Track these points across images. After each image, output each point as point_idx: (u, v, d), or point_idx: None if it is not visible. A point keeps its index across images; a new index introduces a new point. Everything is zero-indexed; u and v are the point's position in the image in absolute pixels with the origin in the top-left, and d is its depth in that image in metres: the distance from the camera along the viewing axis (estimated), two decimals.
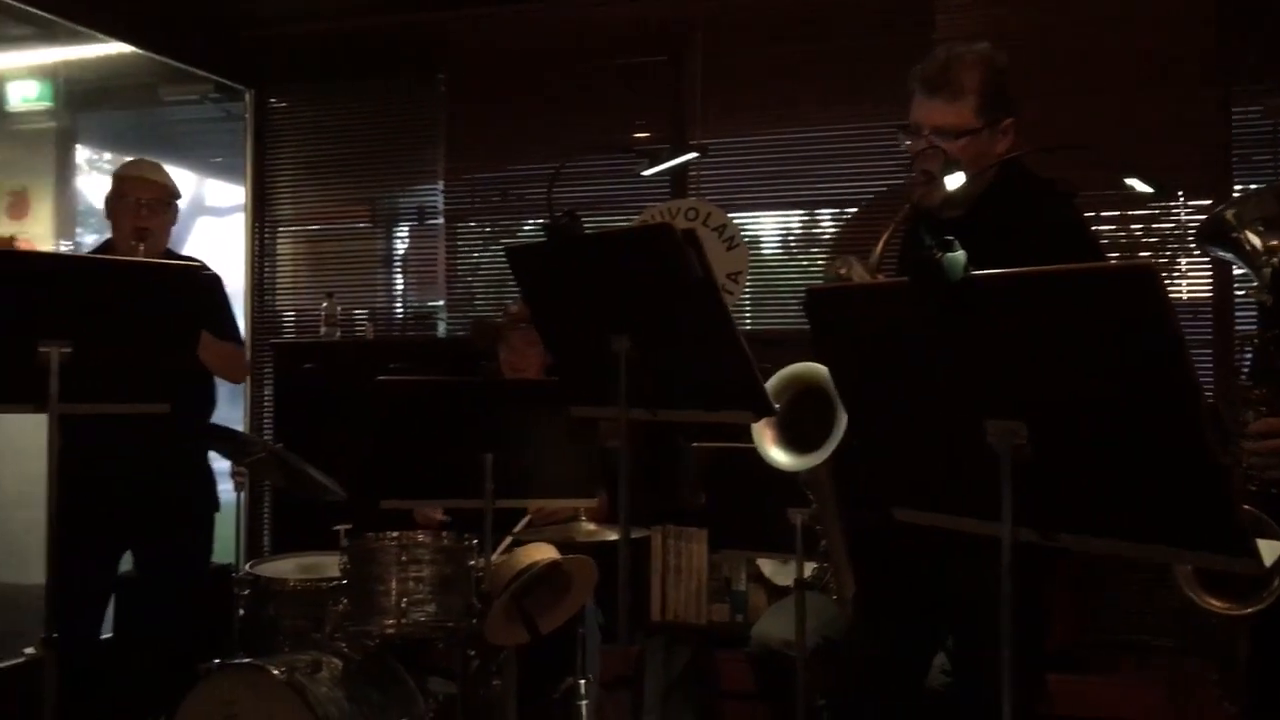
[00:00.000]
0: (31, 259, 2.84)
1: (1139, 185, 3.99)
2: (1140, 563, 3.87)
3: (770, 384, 2.44)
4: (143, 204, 3.47)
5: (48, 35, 4.71)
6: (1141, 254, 4.46)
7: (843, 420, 2.26)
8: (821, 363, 1.96)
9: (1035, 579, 2.35)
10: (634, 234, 2.78)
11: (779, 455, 2.45)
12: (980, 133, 2.30)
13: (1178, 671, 3.30)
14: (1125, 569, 4.04)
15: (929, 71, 2.34)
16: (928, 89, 2.33)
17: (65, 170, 4.98)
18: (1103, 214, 4.44)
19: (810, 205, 4.93)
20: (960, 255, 1.43)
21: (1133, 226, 4.51)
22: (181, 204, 3.71)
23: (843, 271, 2.26)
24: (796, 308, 4.83)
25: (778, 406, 2.11)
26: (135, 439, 3.17)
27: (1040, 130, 4.08)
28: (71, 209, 5.00)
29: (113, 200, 3.53)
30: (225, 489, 3.79)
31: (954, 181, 2.14)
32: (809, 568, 3.04)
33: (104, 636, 3.80)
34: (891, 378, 1.67)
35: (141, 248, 3.38)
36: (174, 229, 3.66)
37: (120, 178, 3.55)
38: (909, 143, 2.38)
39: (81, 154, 5.22)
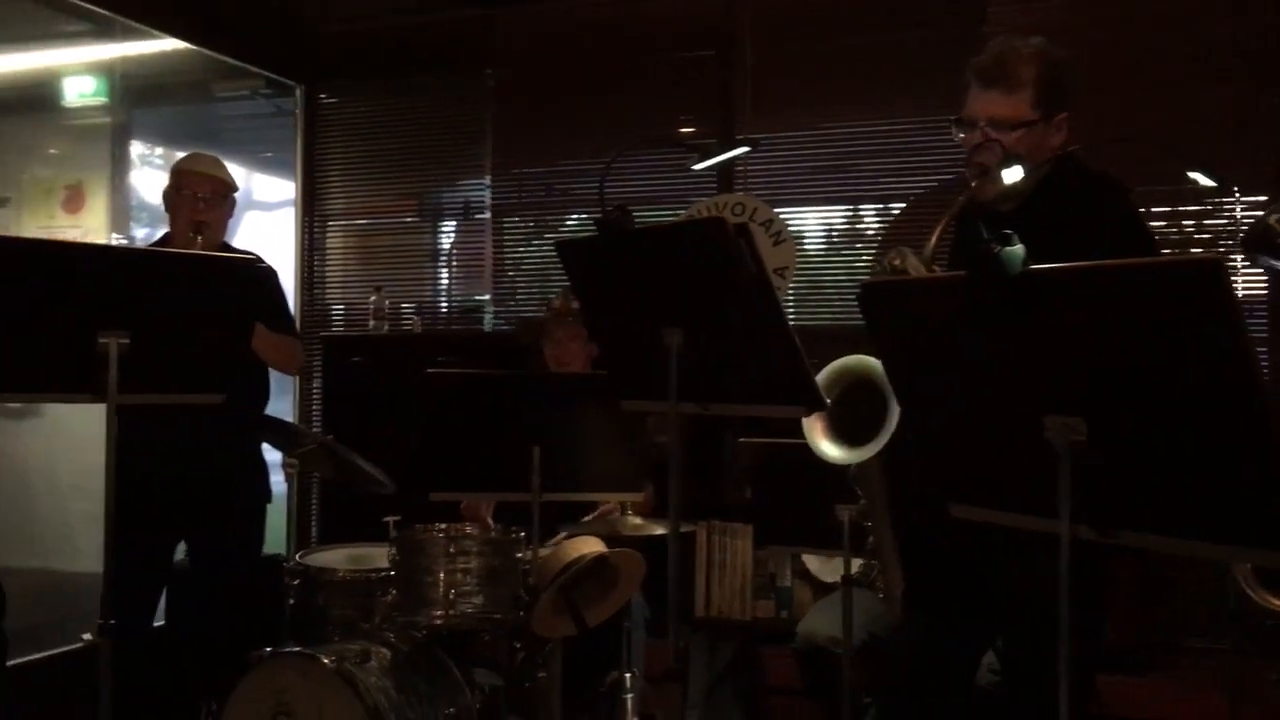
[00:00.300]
0: (92, 251, 2.87)
1: (1203, 179, 3.93)
2: (1196, 561, 3.82)
3: (821, 377, 2.43)
4: (200, 198, 3.49)
5: (104, 32, 4.78)
6: (1193, 250, 4.40)
7: (894, 414, 2.25)
8: (877, 357, 1.95)
9: (1091, 577, 2.33)
10: (686, 228, 2.78)
11: (829, 448, 2.44)
12: (1036, 125, 2.29)
13: (1235, 672, 3.25)
14: (1179, 567, 3.99)
15: (985, 63, 2.33)
16: (984, 80, 2.32)
17: (120, 165, 5.04)
18: (1154, 209, 4.39)
19: (855, 200, 4.91)
20: (1019, 249, 1.42)
21: (1184, 223, 4.45)
22: None
23: (896, 263, 2.25)
24: (840, 303, 4.81)
25: (829, 400, 2.10)
26: (190, 430, 3.20)
27: (1093, 125, 4.06)
28: (126, 203, 5.06)
29: (171, 194, 3.56)
30: (276, 480, 3.83)
31: (1012, 175, 2.11)
32: (855, 564, 3.02)
33: (156, 625, 3.86)
34: (948, 373, 1.65)
35: (199, 240, 3.41)
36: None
37: (178, 172, 3.58)
38: (962, 136, 2.36)
39: (135, 149, 5.28)
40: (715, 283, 2.08)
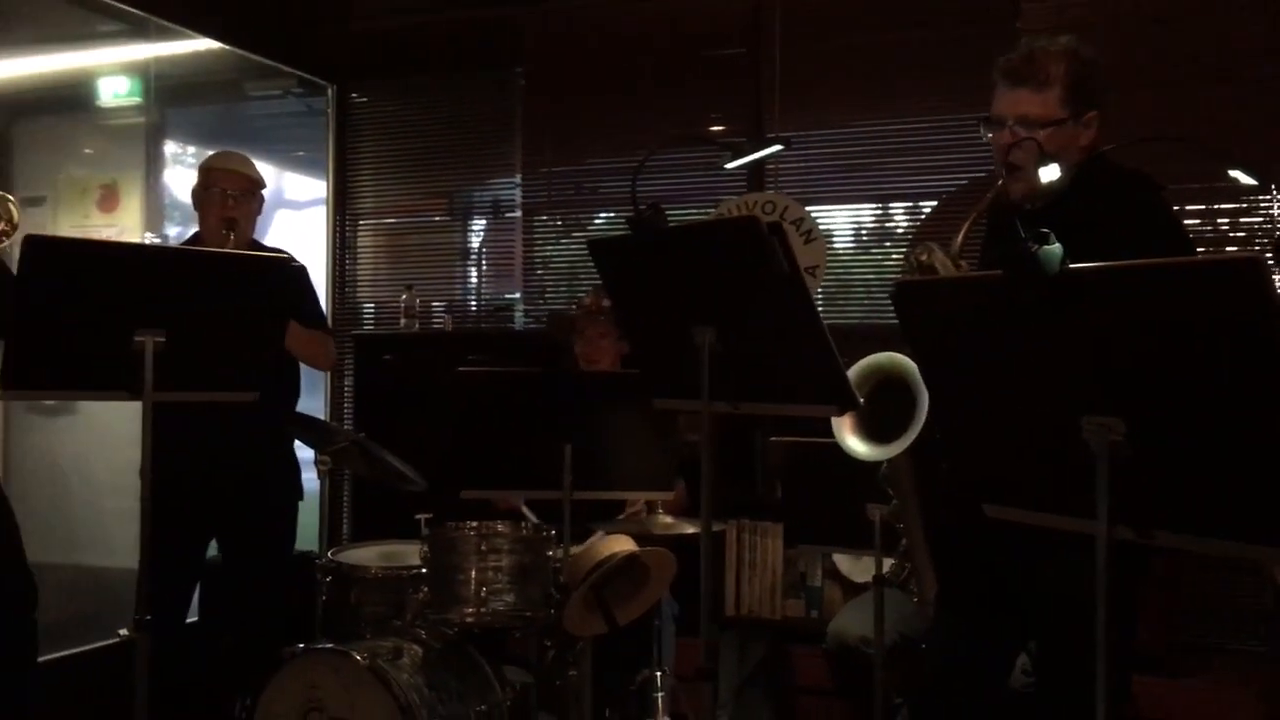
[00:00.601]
0: (129, 250, 2.90)
1: (1243, 177, 3.89)
2: (1230, 561, 3.79)
3: (850, 374, 2.42)
4: (230, 195, 3.50)
5: (138, 32, 4.82)
6: (1229, 249, 4.36)
7: (923, 411, 2.24)
8: (910, 357, 1.94)
9: (1127, 579, 2.32)
10: (719, 227, 2.77)
11: (857, 445, 2.44)
12: (1065, 124, 2.28)
13: (1271, 673, 3.22)
14: (1212, 568, 3.95)
15: (1014, 62, 2.32)
16: (1013, 79, 2.31)
17: (154, 164, 5.08)
18: (1188, 207, 4.35)
19: (885, 199, 4.89)
20: (1057, 248, 1.41)
21: (1219, 221, 4.40)
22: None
23: (924, 258, 2.27)
24: (869, 302, 4.79)
25: (861, 400, 2.10)
26: (222, 428, 3.22)
27: (1128, 122, 4.04)
28: (160, 202, 5.11)
29: (199, 192, 3.57)
30: (308, 477, 3.85)
31: (1049, 174, 2.11)
32: (886, 563, 3.01)
33: (190, 621, 3.89)
34: (982, 372, 1.65)
35: (231, 237, 3.42)
36: (256, 222, 3.71)
37: (207, 169, 3.59)
38: (990, 135, 2.35)
39: (168, 148, 5.33)
40: (748, 281, 2.08)
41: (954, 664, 2.59)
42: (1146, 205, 2.30)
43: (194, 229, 3.76)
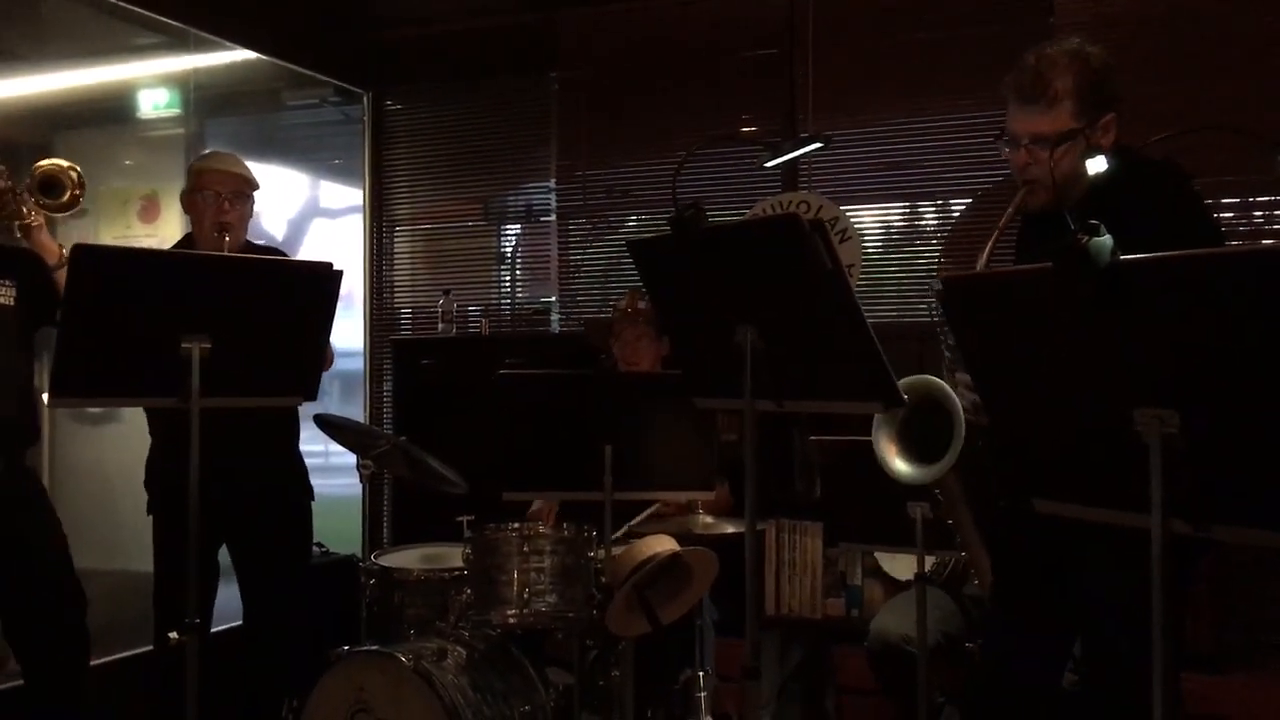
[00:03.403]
0: (175, 258, 2.93)
1: None
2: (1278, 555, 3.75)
3: None
4: (223, 196, 3.39)
5: (178, 44, 4.88)
6: (1264, 242, 4.31)
7: (961, 429, 2.25)
8: (960, 351, 1.94)
9: (1176, 574, 2.30)
10: (760, 225, 2.77)
11: (903, 467, 2.44)
12: (1078, 134, 2.26)
13: None
14: (1260, 563, 3.91)
15: (1021, 81, 2.30)
16: (1022, 98, 2.30)
17: None
18: (1224, 200, 4.31)
19: (918, 197, 4.86)
20: (1107, 240, 1.40)
21: (1254, 214, 4.36)
22: (297, 206, 3.70)
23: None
24: (900, 301, 4.78)
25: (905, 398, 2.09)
26: (232, 431, 3.19)
27: (1164, 112, 4.01)
28: None
29: (190, 195, 3.46)
30: (350, 482, 3.85)
31: (1096, 165, 2.10)
32: (929, 561, 3.00)
33: (230, 626, 3.91)
34: (1032, 367, 1.64)
35: (226, 240, 3.34)
36: (291, 231, 3.65)
37: (198, 171, 3.49)
38: (1007, 152, 2.35)
39: None
40: (790, 279, 2.08)
41: (1005, 661, 2.57)
42: (1176, 194, 2.28)
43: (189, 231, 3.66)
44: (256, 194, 3.56)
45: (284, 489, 3.65)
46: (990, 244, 2.27)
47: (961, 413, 2.18)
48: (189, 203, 3.49)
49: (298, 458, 3.74)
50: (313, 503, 3.74)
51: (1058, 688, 2.57)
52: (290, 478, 3.69)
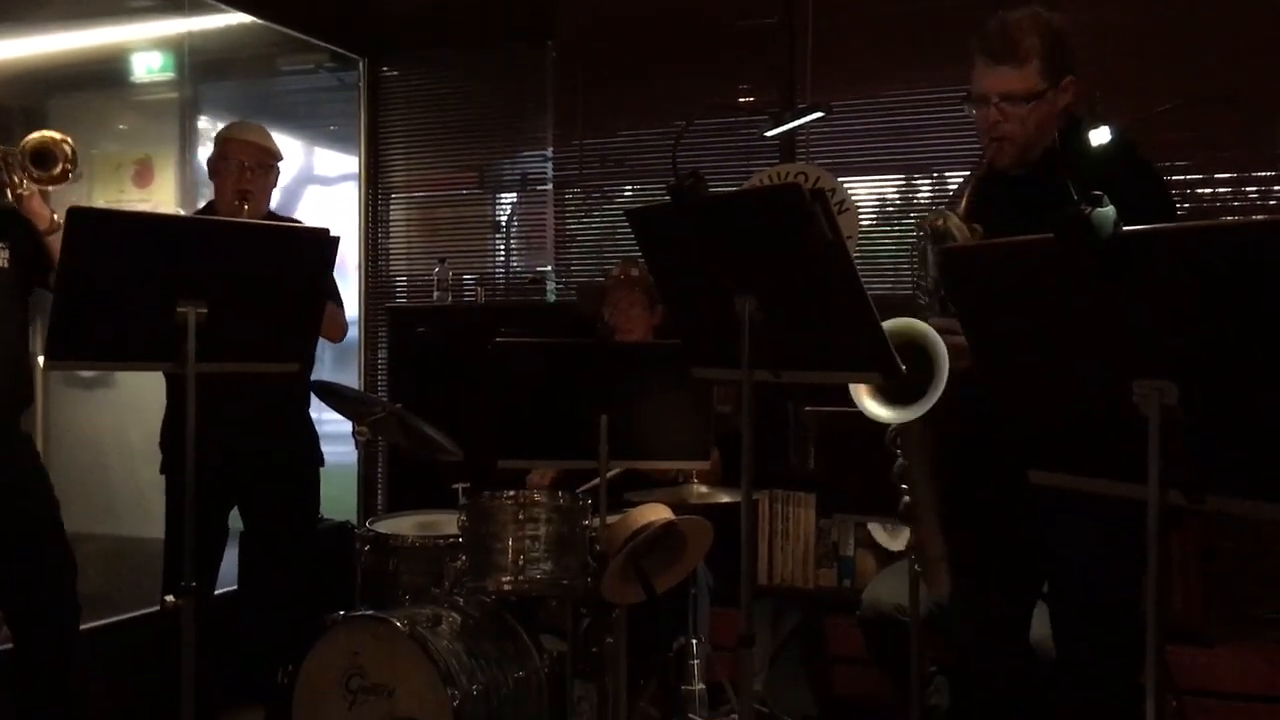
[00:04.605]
0: (171, 222, 2.91)
1: None
2: (1266, 529, 3.77)
3: None
4: (246, 166, 3.48)
5: (172, 7, 4.84)
6: (1256, 217, 4.30)
7: (943, 374, 2.24)
8: (959, 322, 1.93)
9: (1142, 541, 2.37)
10: (761, 195, 2.76)
11: (877, 408, 2.41)
12: (1046, 94, 2.37)
13: None
14: (1248, 537, 3.93)
15: (991, 41, 2.40)
16: (993, 58, 2.39)
17: (188, 139, 5.11)
18: (1218, 175, 4.30)
19: (914, 169, 4.85)
20: (1110, 211, 1.40)
21: (1248, 189, 4.35)
22: (291, 173, 3.73)
23: (939, 224, 2.34)
24: (893, 273, 4.77)
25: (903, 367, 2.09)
26: (241, 396, 3.21)
27: (1159, 85, 4.01)
28: (195, 178, 5.13)
29: (216, 162, 3.55)
30: (345, 450, 3.87)
31: (1099, 136, 2.11)
32: None
33: (230, 590, 3.93)
34: (1031, 337, 1.64)
35: (245, 209, 3.41)
36: (285, 198, 3.67)
37: (224, 140, 3.57)
38: (975, 112, 2.45)
39: (201, 124, 5.35)
40: (790, 249, 2.07)
41: (976, 628, 2.64)
42: (1130, 162, 2.39)
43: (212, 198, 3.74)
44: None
45: (294, 454, 3.69)
46: (968, 194, 2.35)
47: (946, 356, 2.18)
48: (214, 170, 3.59)
49: (309, 424, 3.78)
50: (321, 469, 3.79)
51: (1026, 642, 2.63)
52: (301, 444, 3.73)
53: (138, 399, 4.91)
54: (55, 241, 2.83)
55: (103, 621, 4.09)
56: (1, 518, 3.08)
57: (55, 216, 3.04)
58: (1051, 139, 2.42)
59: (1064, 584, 2.47)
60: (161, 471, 3.58)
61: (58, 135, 3.11)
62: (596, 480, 3.20)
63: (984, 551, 2.55)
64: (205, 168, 3.74)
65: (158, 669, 3.17)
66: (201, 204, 4.01)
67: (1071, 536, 2.36)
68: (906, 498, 2.61)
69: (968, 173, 2.50)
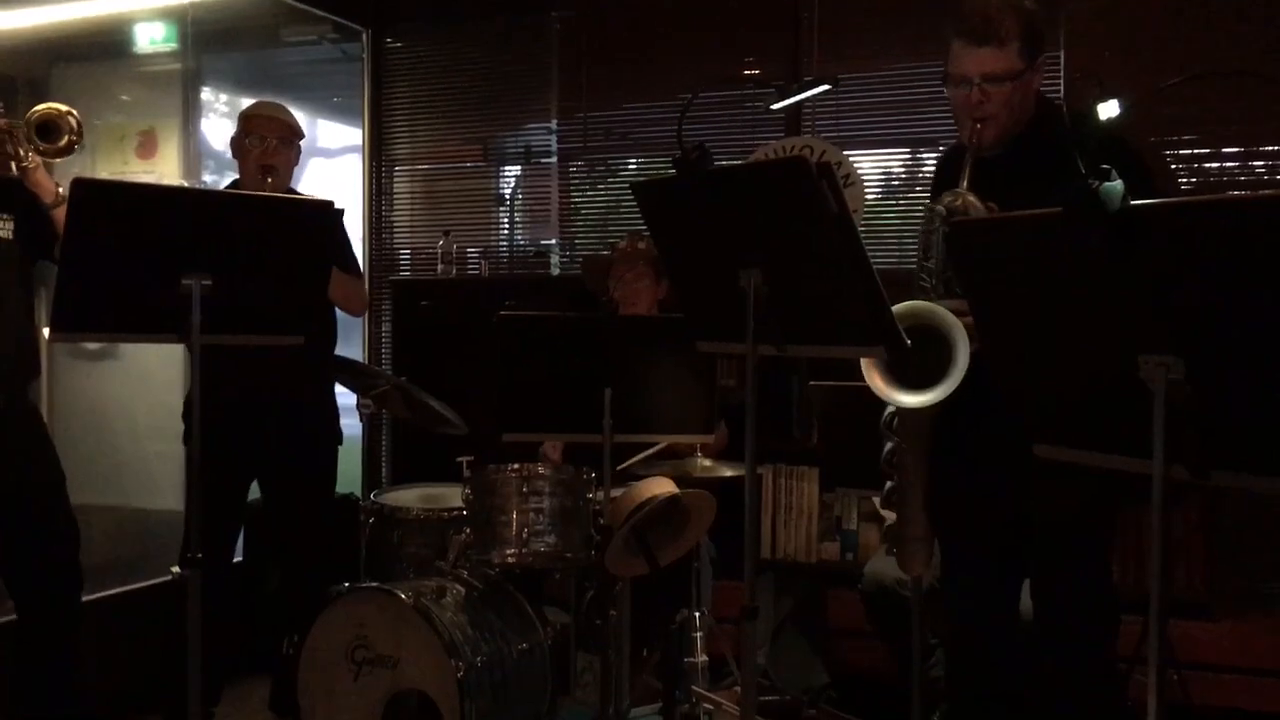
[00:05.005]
0: (176, 194, 2.91)
1: None
2: (1269, 504, 3.77)
3: None
4: (269, 140, 3.52)
5: None
6: (1264, 192, 4.29)
7: (964, 357, 2.24)
8: (965, 297, 1.93)
9: (1108, 510, 2.47)
10: (766, 168, 2.75)
11: (897, 395, 2.41)
12: (1024, 74, 2.43)
13: None
14: (1251, 512, 3.93)
15: (972, 25, 2.45)
16: (974, 40, 2.44)
17: (192, 111, 5.10)
18: (1225, 149, 4.28)
19: (919, 144, 4.82)
20: (1118, 185, 1.39)
21: (1255, 164, 4.33)
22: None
23: (956, 203, 2.36)
24: (898, 248, 4.76)
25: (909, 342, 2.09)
26: (262, 370, 3.24)
27: (1170, 58, 3.98)
28: (198, 149, 5.13)
29: (239, 140, 3.58)
30: (350, 423, 3.88)
31: (1108, 110, 2.11)
32: None
33: (235, 561, 3.95)
34: (1039, 312, 1.64)
35: (270, 184, 3.44)
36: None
37: (247, 117, 3.60)
38: (954, 93, 2.49)
39: (203, 96, 5.33)
40: (795, 223, 2.07)
41: (966, 605, 2.69)
42: (1110, 140, 2.43)
43: (231, 177, 3.77)
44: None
45: (316, 430, 3.71)
46: (967, 175, 2.39)
47: (965, 338, 2.19)
48: (236, 147, 3.61)
49: (332, 400, 3.79)
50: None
51: (1015, 618, 2.67)
52: (323, 420, 3.74)
53: (144, 371, 4.93)
54: (60, 214, 2.84)
55: (108, 593, 4.11)
56: (7, 488, 3.10)
57: (60, 190, 3.05)
58: (1028, 120, 2.47)
59: (1040, 551, 2.51)
60: (184, 442, 3.58)
61: (63, 107, 3.11)
62: (645, 453, 3.19)
63: (973, 530, 2.57)
64: (208, 140, 3.75)
65: (165, 640, 3.19)
66: (210, 179, 4.04)
67: (1049, 503, 2.39)
68: (891, 483, 2.63)
69: (938, 156, 2.54)
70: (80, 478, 3.34)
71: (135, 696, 3.62)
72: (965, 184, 2.36)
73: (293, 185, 3.74)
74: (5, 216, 3.10)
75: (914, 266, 2.52)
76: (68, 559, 3.22)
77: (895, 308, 2.30)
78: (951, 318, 2.24)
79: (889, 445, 2.62)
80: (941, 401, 2.32)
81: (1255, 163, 4.31)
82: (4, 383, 3.09)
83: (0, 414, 3.06)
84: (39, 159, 3.10)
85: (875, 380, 2.38)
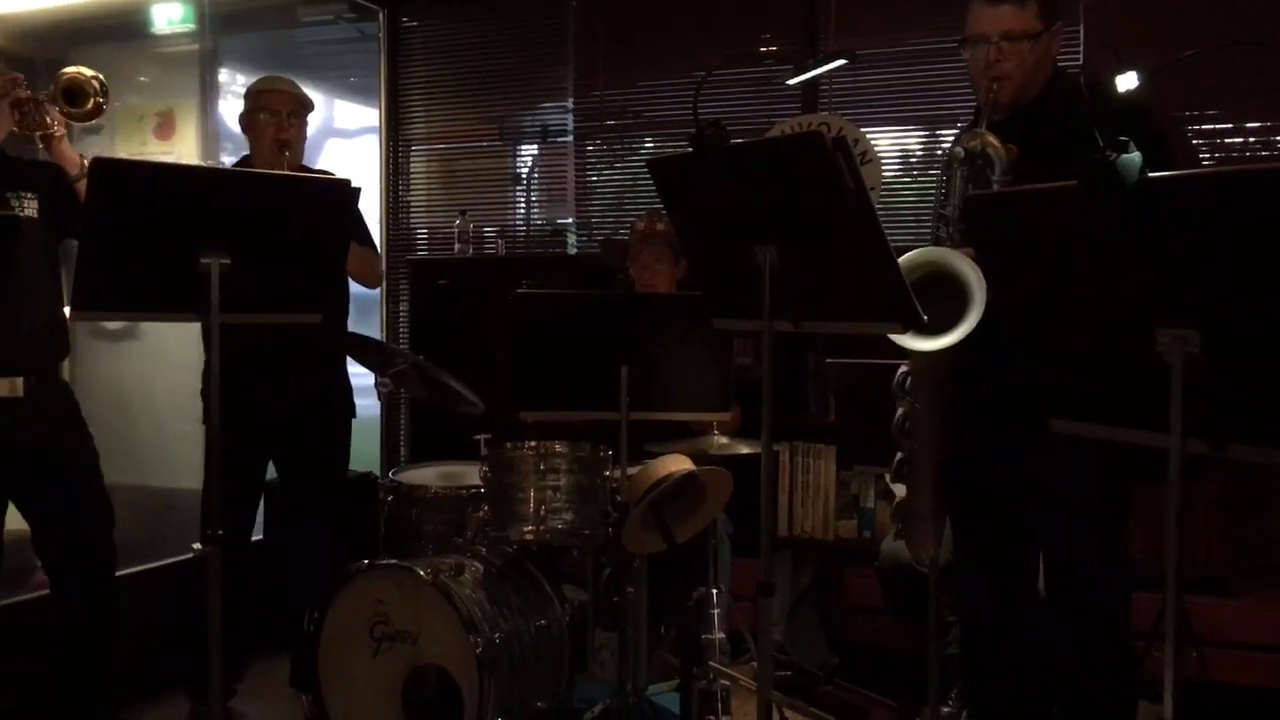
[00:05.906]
0: (194, 173, 2.92)
1: None
2: None
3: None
4: (282, 115, 3.51)
5: None
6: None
7: (977, 307, 2.22)
8: (982, 269, 1.92)
9: (1123, 485, 2.49)
10: (782, 144, 2.74)
11: (910, 340, 2.38)
12: (1042, 35, 2.46)
13: None
14: (1270, 487, 3.92)
15: None
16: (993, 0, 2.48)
17: (210, 91, 5.11)
18: (1247, 125, 4.24)
19: (936, 121, 4.79)
20: (1136, 157, 1.38)
21: (1277, 138, 4.28)
22: (313, 126, 3.74)
23: (974, 144, 2.40)
24: (915, 225, 4.74)
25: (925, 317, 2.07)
26: (277, 347, 3.25)
27: (1190, 28, 3.94)
28: (216, 129, 5.14)
29: (249, 116, 3.57)
30: (368, 403, 3.88)
31: (1127, 81, 2.10)
32: None
33: (255, 539, 3.98)
34: (1055, 285, 1.63)
35: (287, 156, 3.44)
36: (307, 151, 3.69)
37: (256, 93, 3.59)
38: (971, 54, 2.52)
39: (220, 76, 5.34)
40: (811, 199, 2.06)
41: (980, 584, 2.71)
42: (1131, 111, 2.44)
43: (242, 153, 3.76)
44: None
45: (330, 406, 3.72)
46: (985, 120, 2.41)
47: (981, 282, 2.17)
48: (248, 124, 3.61)
49: (345, 376, 3.80)
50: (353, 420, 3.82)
51: (1034, 596, 2.68)
52: (337, 395, 3.75)
53: (164, 351, 4.96)
54: (84, 187, 2.86)
55: (128, 570, 4.14)
56: (40, 465, 3.13)
57: (84, 161, 3.07)
58: (1043, 85, 2.50)
59: (1054, 527, 2.52)
60: (203, 422, 3.60)
61: (88, 71, 3.16)
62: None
63: (984, 509, 2.57)
64: (226, 120, 3.75)
65: (186, 618, 3.22)
66: (229, 160, 4.02)
67: (1064, 476, 2.41)
68: (901, 454, 2.62)
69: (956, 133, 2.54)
70: (101, 457, 3.37)
71: (159, 673, 3.66)
72: (984, 126, 2.39)
73: (311, 165, 3.75)
74: (29, 195, 3.12)
75: (930, 243, 2.50)
76: (103, 535, 3.25)
77: (910, 255, 2.30)
78: (968, 263, 2.23)
79: (900, 410, 2.61)
80: (956, 362, 2.31)
81: (1278, 137, 4.26)
82: (35, 361, 3.12)
83: (32, 392, 3.09)
84: (62, 130, 3.13)
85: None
